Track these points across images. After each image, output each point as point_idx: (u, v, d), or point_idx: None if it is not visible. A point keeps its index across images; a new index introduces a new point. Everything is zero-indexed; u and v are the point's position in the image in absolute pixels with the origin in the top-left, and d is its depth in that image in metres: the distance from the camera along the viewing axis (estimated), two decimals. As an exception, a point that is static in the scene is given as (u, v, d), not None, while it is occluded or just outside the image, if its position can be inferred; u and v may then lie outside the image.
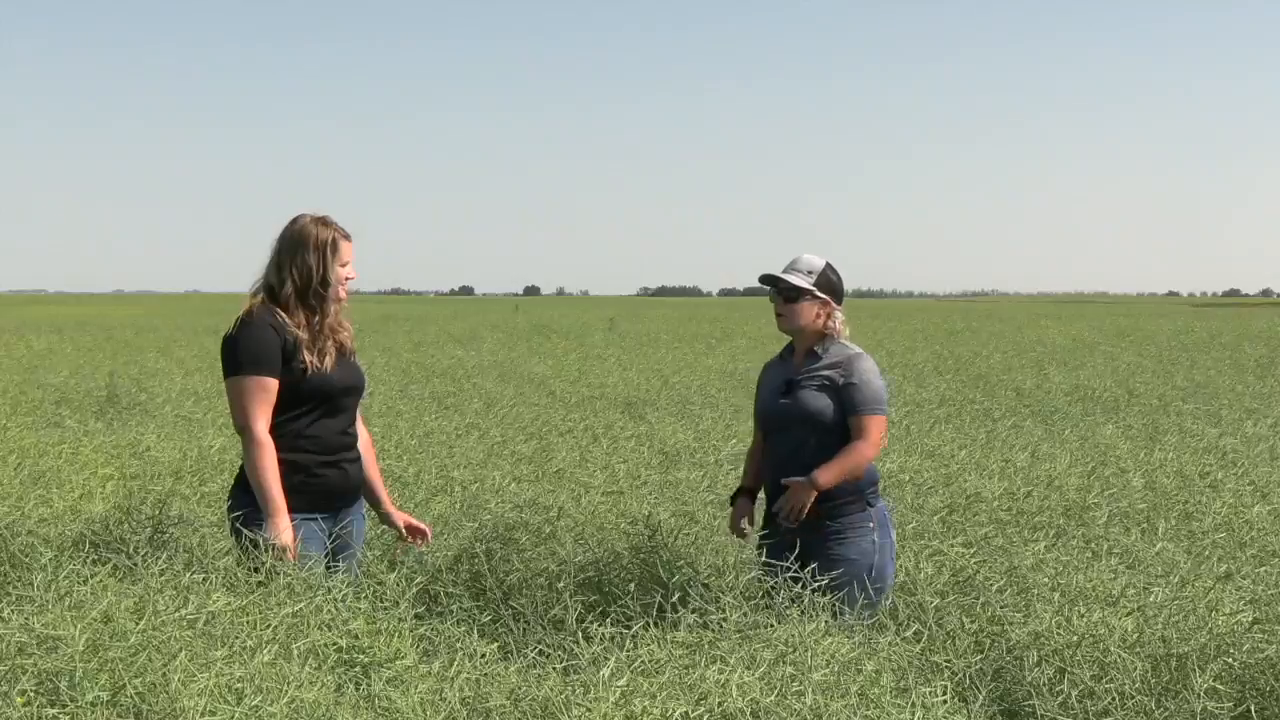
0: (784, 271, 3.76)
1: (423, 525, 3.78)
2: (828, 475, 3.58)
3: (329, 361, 3.40)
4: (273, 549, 3.20)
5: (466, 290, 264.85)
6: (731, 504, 3.99)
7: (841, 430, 3.65)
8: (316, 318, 3.41)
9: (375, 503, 3.73)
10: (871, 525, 3.64)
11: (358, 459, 3.55)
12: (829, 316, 3.73)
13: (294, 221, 3.45)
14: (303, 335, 3.37)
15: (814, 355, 3.73)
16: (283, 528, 3.25)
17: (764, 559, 3.63)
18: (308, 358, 3.35)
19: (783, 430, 3.74)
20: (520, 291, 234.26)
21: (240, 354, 3.33)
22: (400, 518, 3.75)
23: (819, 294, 3.71)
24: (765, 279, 3.80)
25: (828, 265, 3.77)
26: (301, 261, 3.39)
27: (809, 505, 3.59)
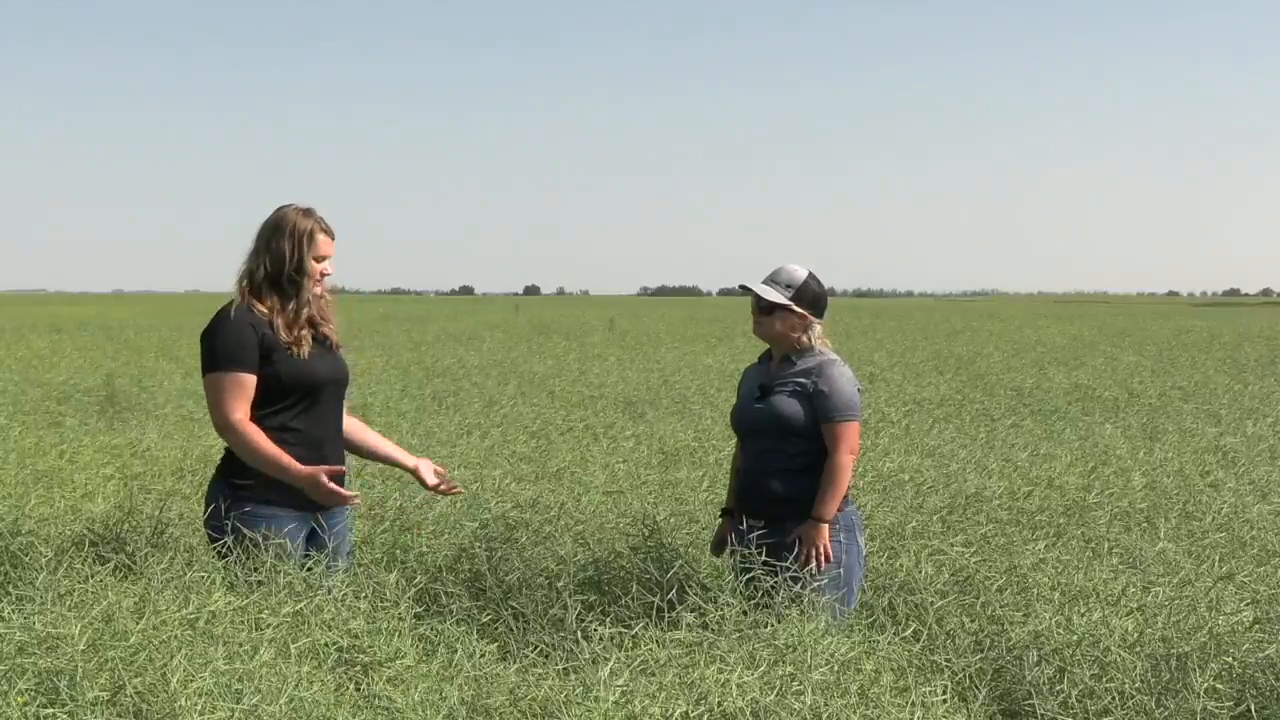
0: (764, 282, 3.72)
1: (440, 470, 3.67)
2: (826, 507, 3.55)
3: (305, 350, 3.39)
4: (313, 487, 3.25)
5: (466, 290, 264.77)
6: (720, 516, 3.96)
7: (813, 436, 3.62)
8: (292, 305, 3.41)
9: (394, 463, 3.72)
10: (836, 527, 3.61)
11: (343, 461, 3.54)
12: (805, 331, 3.69)
13: (278, 209, 3.47)
14: (278, 321, 3.37)
15: (789, 362, 3.72)
16: (304, 474, 3.26)
17: (738, 560, 3.62)
18: (284, 338, 3.35)
19: (756, 435, 3.72)
20: (520, 291, 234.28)
21: (216, 350, 3.33)
22: (425, 466, 3.67)
23: (796, 309, 3.68)
24: (743, 289, 3.77)
25: (810, 276, 3.71)
26: (276, 246, 3.39)
27: (826, 539, 3.56)
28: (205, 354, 3.37)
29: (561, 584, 3.90)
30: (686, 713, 2.54)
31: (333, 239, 3.48)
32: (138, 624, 2.66)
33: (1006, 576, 3.85)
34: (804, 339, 3.70)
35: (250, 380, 3.31)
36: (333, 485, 3.28)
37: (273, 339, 3.34)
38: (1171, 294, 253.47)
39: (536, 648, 3.40)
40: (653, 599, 3.54)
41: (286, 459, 3.27)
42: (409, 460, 3.70)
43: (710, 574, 3.98)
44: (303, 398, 3.39)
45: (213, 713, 2.41)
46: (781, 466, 3.64)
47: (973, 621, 3.54)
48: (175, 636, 2.68)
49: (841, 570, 3.56)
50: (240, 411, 3.30)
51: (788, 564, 3.44)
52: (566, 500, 4.81)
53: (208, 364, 3.35)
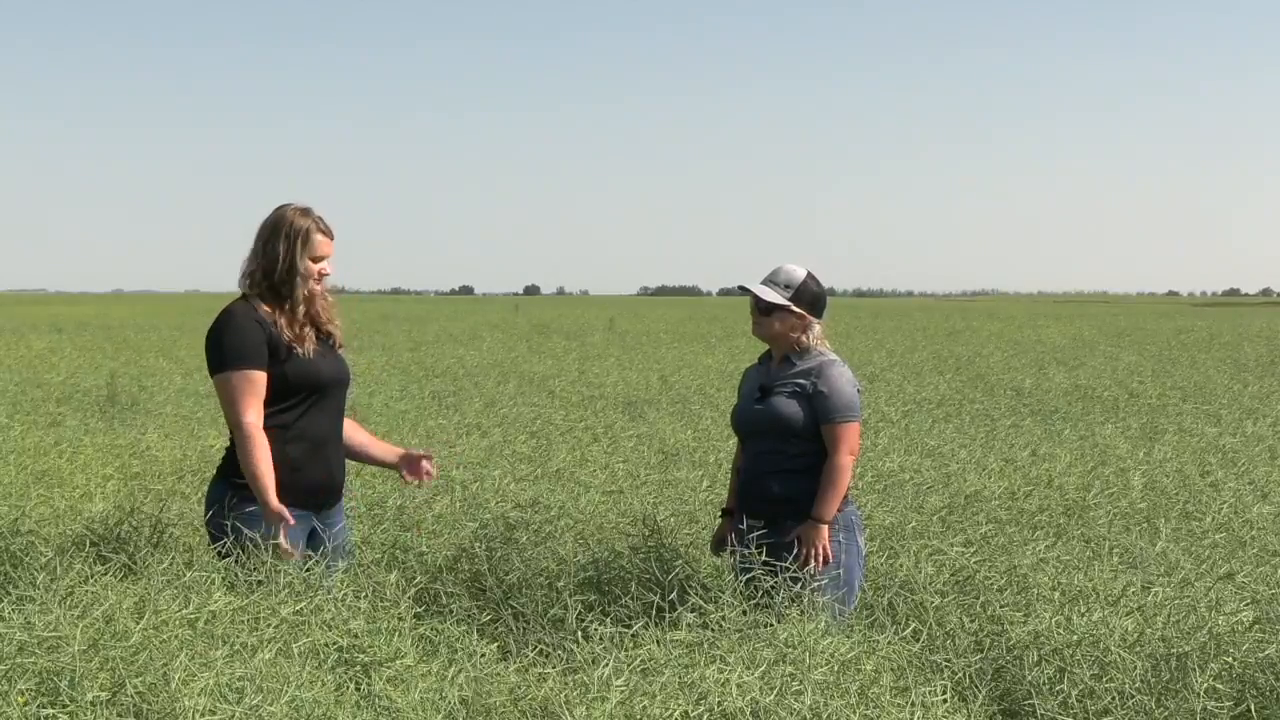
0: (763, 282, 3.72)
1: (419, 455, 3.70)
2: (825, 507, 3.55)
3: (310, 349, 3.39)
4: (271, 542, 3.20)
5: (466, 290, 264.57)
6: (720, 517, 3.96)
7: (813, 437, 3.62)
8: (288, 305, 3.40)
9: (378, 462, 3.74)
10: (836, 527, 3.61)
11: (343, 463, 3.54)
12: (804, 330, 3.69)
13: (276, 209, 3.46)
14: (281, 320, 3.37)
15: (789, 362, 3.72)
16: (273, 510, 3.24)
17: (738, 560, 3.61)
18: (288, 337, 3.35)
19: (756, 436, 3.72)
20: (520, 291, 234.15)
21: (225, 349, 3.32)
22: (402, 455, 3.70)
23: (795, 309, 3.67)
24: (742, 290, 3.77)
25: (809, 276, 3.71)
26: (271, 248, 3.39)
27: (825, 539, 3.56)
28: (213, 354, 3.35)
29: (561, 584, 3.90)
30: (686, 712, 2.54)
31: (331, 239, 3.46)
32: (138, 624, 2.66)
33: (1006, 576, 3.85)
34: (803, 339, 3.70)
35: (261, 377, 3.31)
36: (284, 543, 3.25)
37: (278, 338, 3.34)
38: (1171, 294, 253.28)
39: (536, 648, 3.40)
40: (653, 599, 3.54)
41: (268, 484, 3.26)
42: (390, 458, 3.71)
43: (710, 574, 3.98)
44: (308, 397, 3.39)
45: (213, 713, 2.41)
46: (781, 467, 3.64)
47: (973, 621, 3.54)
48: (176, 636, 2.68)
49: (841, 570, 3.56)
50: (253, 411, 3.29)
51: (787, 564, 3.44)
52: (566, 500, 4.81)
53: (217, 364, 3.34)
